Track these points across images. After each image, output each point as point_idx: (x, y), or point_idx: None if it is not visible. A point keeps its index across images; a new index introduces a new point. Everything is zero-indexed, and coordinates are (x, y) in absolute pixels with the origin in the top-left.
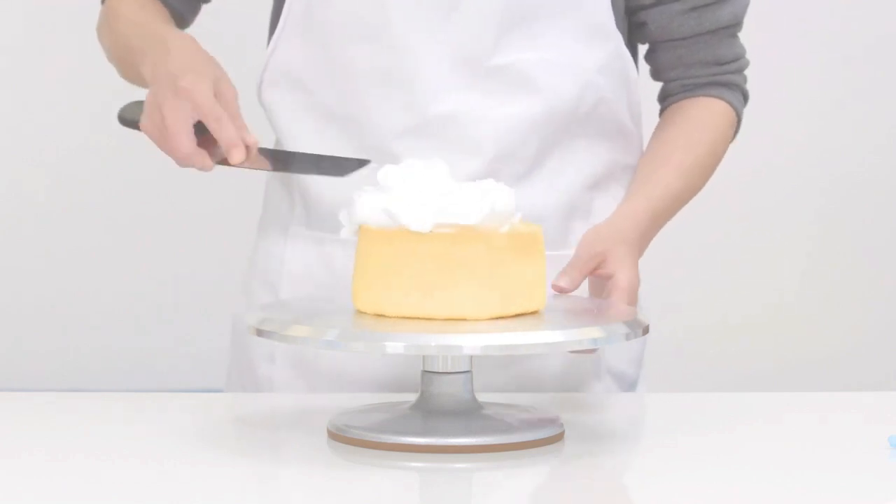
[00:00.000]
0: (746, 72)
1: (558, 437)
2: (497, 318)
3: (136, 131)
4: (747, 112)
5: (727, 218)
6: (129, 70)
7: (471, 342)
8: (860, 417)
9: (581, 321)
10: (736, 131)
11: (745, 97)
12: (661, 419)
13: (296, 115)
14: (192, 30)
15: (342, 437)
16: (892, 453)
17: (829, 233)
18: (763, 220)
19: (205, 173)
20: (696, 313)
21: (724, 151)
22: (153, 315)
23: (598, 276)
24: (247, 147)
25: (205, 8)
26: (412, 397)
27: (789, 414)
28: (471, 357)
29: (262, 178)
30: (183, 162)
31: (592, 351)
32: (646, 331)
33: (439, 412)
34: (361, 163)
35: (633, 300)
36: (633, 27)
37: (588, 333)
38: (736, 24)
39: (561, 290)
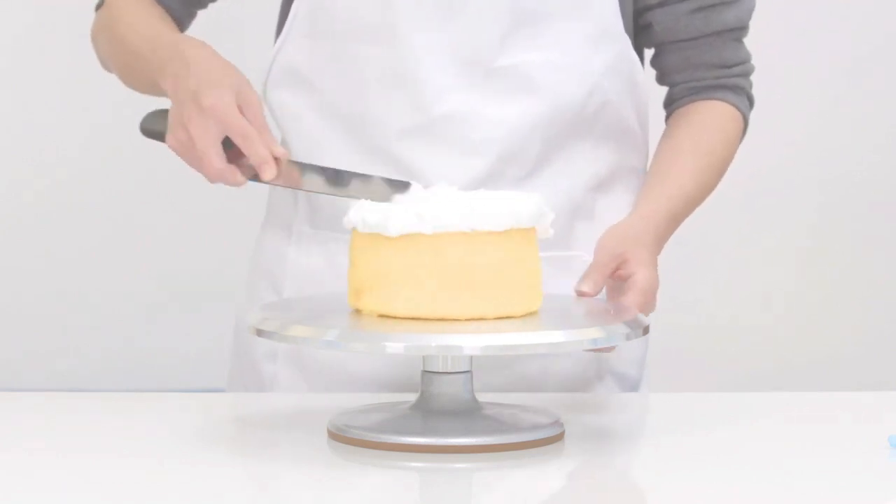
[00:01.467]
0: (752, 77)
1: (558, 438)
2: (496, 319)
3: (156, 141)
4: (753, 111)
5: (727, 218)
6: (140, 80)
7: (471, 342)
8: (860, 417)
9: (581, 321)
10: (742, 135)
11: (751, 101)
12: (661, 419)
13: (301, 115)
14: (198, 30)
15: (342, 436)
16: (892, 453)
17: (829, 233)
18: (763, 220)
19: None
20: (696, 313)
21: (733, 153)
22: (153, 315)
23: (617, 277)
24: (277, 159)
25: (210, 7)
26: (412, 397)
27: (789, 414)
28: (471, 357)
29: None
30: (213, 179)
31: (611, 349)
32: (646, 331)
33: (439, 412)
34: (403, 185)
35: (650, 301)
36: (638, 30)
37: (588, 334)
38: (742, 28)
39: (583, 295)
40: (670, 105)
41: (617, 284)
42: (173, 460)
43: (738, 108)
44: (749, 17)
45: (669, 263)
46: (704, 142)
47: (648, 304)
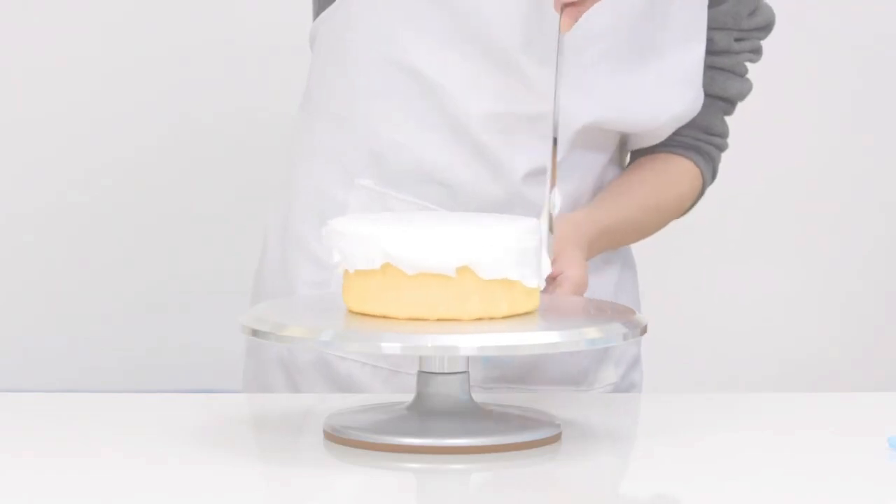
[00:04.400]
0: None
1: (555, 438)
2: (493, 319)
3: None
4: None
5: (727, 217)
6: None
7: (467, 342)
8: (860, 417)
9: (578, 321)
10: (695, 202)
11: (714, 176)
12: (660, 419)
13: (374, 61)
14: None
15: (338, 437)
16: (891, 454)
17: (829, 233)
18: (762, 220)
19: (214, 175)
20: (696, 313)
21: (683, 212)
22: (153, 315)
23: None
24: None
25: None
26: (408, 397)
27: (789, 414)
28: (467, 358)
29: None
30: None
31: None
32: (643, 331)
33: (436, 413)
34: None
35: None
36: None
37: (585, 334)
38: (734, 103)
39: None
40: (641, 148)
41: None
42: (170, 461)
43: (703, 174)
44: (745, 97)
45: (669, 263)
46: (664, 186)
47: None
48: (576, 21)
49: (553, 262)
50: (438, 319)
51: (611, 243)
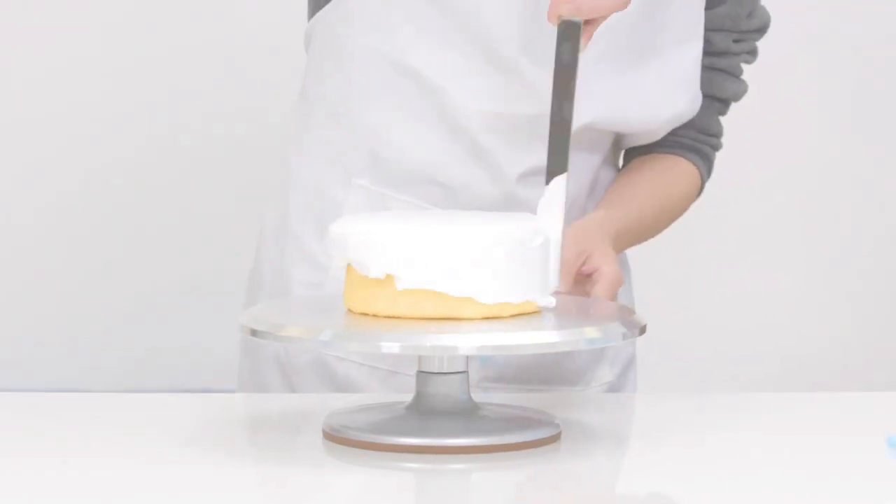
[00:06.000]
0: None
1: (555, 438)
2: (493, 318)
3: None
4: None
5: (727, 217)
6: None
7: (466, 342)
8: (859, 417)
9: (578, 321)
10: (694, 200)
11: (709, 175)
12: (659, 420)
13: (374, 62)
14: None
15: (337, 437)
16: (890, 454)
17: (829, 232)
18: (762, 220)
19: (213, 175)
20: (694, 312)
21: (683, 211)
22: (152, 316)
23: (581, 272)
24: None
25: None
26: (407, 397)
27: (788, 414)
28: (466, 357)
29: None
30: None
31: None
32: (643, 331)
33: (435, 412)
34: None
35: (614, 295)
36: None
37: (585, 333)
38: (729, 104)
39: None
40: (636, 148)
41: (580, 278)
42: (168, 461)
43: (700, 174)
44: (740, 98)
45: (667, 262)
46: (668, 185)
47: (612, 297)
48: (590, 38)
49: (587, 260)
50: (484, 318)
51: (626, 244)
